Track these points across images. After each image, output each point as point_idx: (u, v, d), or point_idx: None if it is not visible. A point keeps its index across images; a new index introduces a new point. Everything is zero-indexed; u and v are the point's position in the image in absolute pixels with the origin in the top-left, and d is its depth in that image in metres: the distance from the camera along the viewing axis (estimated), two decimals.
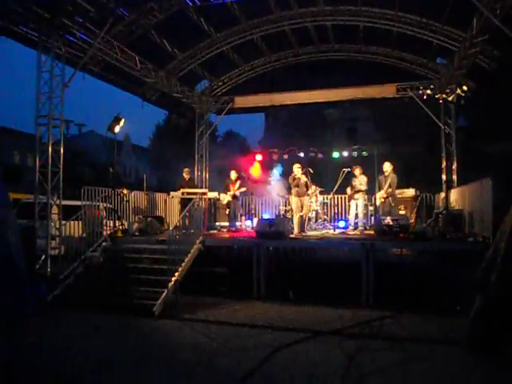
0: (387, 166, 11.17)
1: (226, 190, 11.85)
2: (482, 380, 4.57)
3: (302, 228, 10.59)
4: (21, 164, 34.29)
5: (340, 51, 13.66)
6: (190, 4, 9.57)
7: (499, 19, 7.98)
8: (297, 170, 10.73)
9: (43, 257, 8.92)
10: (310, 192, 12.52)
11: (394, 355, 5.28)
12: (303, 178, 10.76)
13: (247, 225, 12.43)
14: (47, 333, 6.36)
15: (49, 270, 8.90)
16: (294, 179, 10.63)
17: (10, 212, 7.65)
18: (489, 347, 5.16)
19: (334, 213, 12.51)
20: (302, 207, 10.66)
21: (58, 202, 9.34)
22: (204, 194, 10.89)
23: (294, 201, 10.74)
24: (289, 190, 11.34)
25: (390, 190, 10.92)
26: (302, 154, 15.44)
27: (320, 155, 15.76)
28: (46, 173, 9.07)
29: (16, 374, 4.87)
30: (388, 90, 13.79)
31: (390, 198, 10.96)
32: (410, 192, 11.94)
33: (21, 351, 5.62)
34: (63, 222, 9.43)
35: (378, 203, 11.25)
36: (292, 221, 11.01)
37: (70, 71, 9.64)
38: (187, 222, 8.94)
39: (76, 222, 9.51)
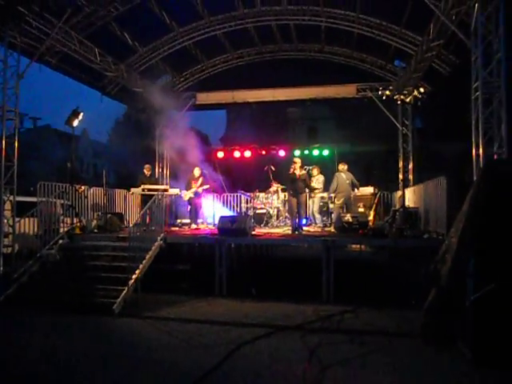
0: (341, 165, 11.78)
1: (188, 186, 11.74)
2: (433, 370, 4.78)
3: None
4: None
5: (302, 50, 13.85)
6: None
7: (455, 25, 8.31)
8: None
9: None
10: (271, 189, 12.67)
11: (353, 348, 5.43)
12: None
13: (209, 222, 12.39)
14: (2, 332, 6.11)
15: (1, 268, 8.53)
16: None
17: None
18: (440, 339, 5.40)
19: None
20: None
21: (11, 198, 8.96)
22: (165, 190, 10.75)
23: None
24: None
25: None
26: (263, 152, 15.51)
27: (281, 153, 15.89)
28: None
29: None
30: (348, 90, 14.12)
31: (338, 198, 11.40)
32: (369, 190, 12.28)
33: None
34: (17, 219, 9.06)
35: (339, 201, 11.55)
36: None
37: (26, 62, 9.29)
38: (148, 218, 8.80)
39: (31, 218, 9.16)
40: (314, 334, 6.01)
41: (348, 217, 9.86)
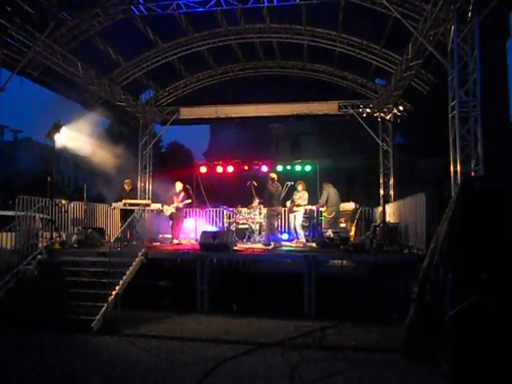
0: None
1: (169, 201, 11.67)
2: None
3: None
4: None
5: (285, 67, 14.04)
6: (137, 13, 9.43)
7: (432, 45, 8.56)
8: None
9: None
10: (254, 205, 12.69)
11: (335, 364, 5.43)
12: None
13: (191, 237, 12.31)
14: None
15: None
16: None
17: None
18: (421, 355, 5.43)
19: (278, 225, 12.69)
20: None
21: None
22: (147, 205, 10.67)
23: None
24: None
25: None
26: (246, 167, 15.54)
27: (264, 168, 15.95)
28: None
29: None
30: (330, 107, 14.32)
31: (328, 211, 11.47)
32: (350, 206, 12.41)
33: None
34: None
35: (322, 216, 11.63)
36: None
37: (7, 74, 9.21)
38: (129, 233, 8.71)
39: (9, 233, 8.97)
40: (295, 350, 5.98)
41: (329, 232, 9.94)
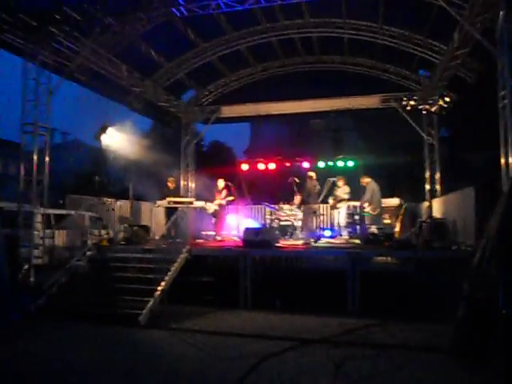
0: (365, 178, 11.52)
1: (212, 199, 11.83)
2: None
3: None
4: (3, 172, 33.80)
5: (325, 62, 13.85)
6: (178, 14, 9.61)
7: (479, 33, 8.20)
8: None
9: (26, 266, 8.78)
10: (295, 201, 12.64)
11: (381, 362, 5.33)
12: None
13: (233, 234, 12.43)
14: (32, 344, 6.24)
15: (33, 279, 8.76)
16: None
17: None
18: (471, 354, 5.23)
19: (320, 222, 12.61)
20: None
21: (42, 210, 9.22)
22: (190, 203, 10.87)
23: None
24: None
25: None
26: (287, 164, 15.50)
27: (305, 164, 15.85)
28: (30, 181, 8.97)
29: None
30: (372, 101, 14.02)
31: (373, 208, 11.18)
32: (395, 201, 12.11)
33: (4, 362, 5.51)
34: (47, 231, 9.30)
35: (366, 213, 11.40)
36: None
37: (56, 79, 9.62)
38: (173, 231, 8.91)
39: (61, 231, 9.41)
40: (339, 347, 5.92)
41: (373, 228, 9.75)
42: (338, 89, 13.94)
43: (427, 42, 11.38)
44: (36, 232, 9.10)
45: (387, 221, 11.59)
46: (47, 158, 9.28)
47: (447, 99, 10.42)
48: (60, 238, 9.74)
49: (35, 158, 8.99)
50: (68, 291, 8.24)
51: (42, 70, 9.22)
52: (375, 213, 11.26)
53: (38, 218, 9.20)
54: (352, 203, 11.94)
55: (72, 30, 9.65)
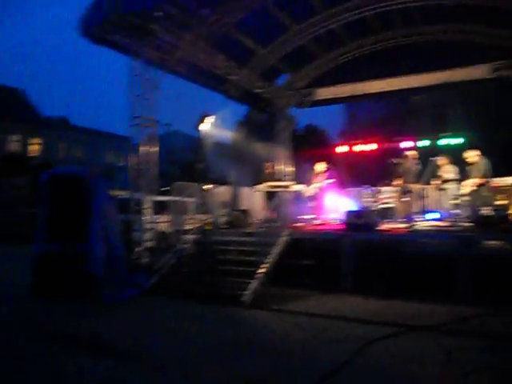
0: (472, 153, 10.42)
1: (311, 182, 11.79)
2: None
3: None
4: (113, 163, 37.28)
5: (423, 34, 12.90)
6: None
7: None
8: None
9: (139, 248, 9.55)
10: (395, 183, 12.09)
11: (495, 354, 4.96)
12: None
13: (332, 217, 12.29)
14: (148, 318, 6.85)
15: (146, 260, 9.52)
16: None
17: (112, 207, 8.31)
18: None
19: (424, 204, 11.94)
20: None
21: (150, 197, 9.93)
22: (288, 186, 10.95)
23: None
24: None
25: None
26: (385, 145, 14.90)
27: (405, 144, 15.07)
28: (139, 170, 9.69)
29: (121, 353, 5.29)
30: (480, 72, 12.80)
31: (485, 187, 10.20)
32: (509, 180, 11.03)
33: (128, 333, 6.09)
34: (156, 216, 10.01)
35: (467, 192, 10.50)
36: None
37: (159, 74, 10.21)
38: (274, 214, 9.07)
39: (168, 216, 10.06)
40: (448, 336, 5.63)
41: (486, 210, 9.01)
42: (438, 61, 12.95)
43: None
44: (146, 217, 9.85)
45: (500, 201, 10.60)
46: (155, 149, 9.93)
47: None
48: (167, 222, 10.41)
49: (144, 148, 9.67)
50: (177, 271, 8.86)
51: (146, 66, 9.83)
52: (490, 193, 10.27)
53: (147, 205, 9.93)
54: (471, 181, 10.98)
55: (171, 25, 10.13)
